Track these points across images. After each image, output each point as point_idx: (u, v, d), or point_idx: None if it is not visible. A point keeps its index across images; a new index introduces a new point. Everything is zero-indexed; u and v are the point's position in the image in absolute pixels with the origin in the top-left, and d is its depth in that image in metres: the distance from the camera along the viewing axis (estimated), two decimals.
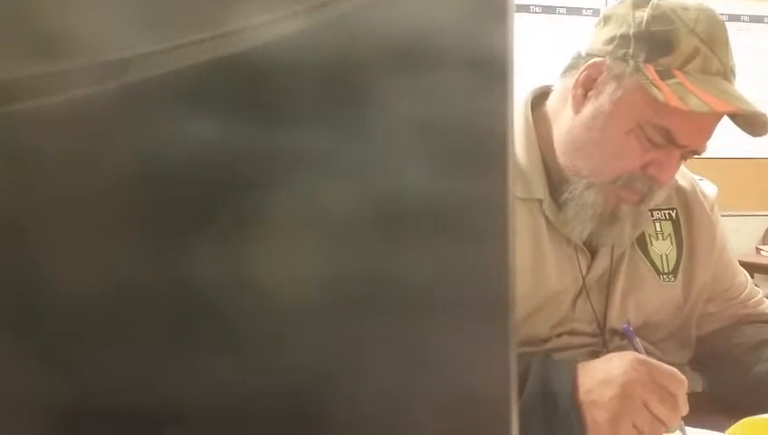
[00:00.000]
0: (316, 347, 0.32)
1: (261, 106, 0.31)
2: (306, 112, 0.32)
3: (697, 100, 0.90)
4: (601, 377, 0.85)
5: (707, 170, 1.17)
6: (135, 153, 0.31)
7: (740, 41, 3.40)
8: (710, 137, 0.97)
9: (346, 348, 0.33)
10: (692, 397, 0.89)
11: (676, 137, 0.93)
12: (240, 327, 0.32)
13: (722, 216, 1.14)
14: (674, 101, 0.90)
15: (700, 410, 0.90)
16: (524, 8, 3.34)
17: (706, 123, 0.95)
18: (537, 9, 3.36)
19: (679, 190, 1.10)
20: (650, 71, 0.92)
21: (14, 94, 0.30)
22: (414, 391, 0.33)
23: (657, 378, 0.83)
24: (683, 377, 0.85)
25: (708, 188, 1.13)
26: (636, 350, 0.93)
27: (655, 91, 0.91)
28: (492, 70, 0.33)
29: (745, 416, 0.88)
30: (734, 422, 0.88)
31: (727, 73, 0.93)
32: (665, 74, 0.92)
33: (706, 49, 0.92)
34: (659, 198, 1.03)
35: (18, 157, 0.30)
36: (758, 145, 3.01)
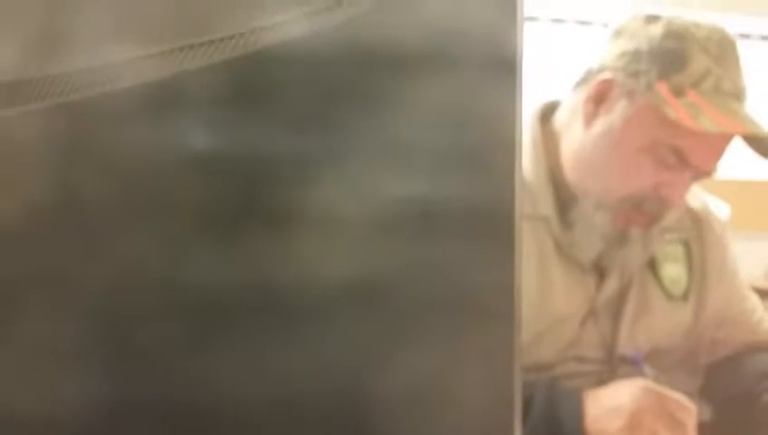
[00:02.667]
0: (316, 349, 0.32)
1: (270, 108, 0.31)
2: (313, 114, 0.32)
3: (710, 120, 0.88)
4: (609, 406, 0.83)
5: (716, 192, 1.15)
6: (143, 153, 0.31)
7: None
8: (722, 158, 0.95)
9: (342, 352, 0.32)
10: (700, 426, 0.87)
11: (689, 157, 0.91)
12: (245, 327, 0.32)
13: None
14: (687, 121, 0.88)
15: None
16: (533, 19, 3.32)
17: (719, 144, 0.93)
18: (546, 20, 3.33)
19: (691, 212, 1.08)
20: (663, 88, 0.91)
21: (15, 97, 0.30)
22: (413, 407, 0.32)
23: (667, 406, 0.83)
24: (692, 405, 0.84)
25: (720, 210, 1.12)
26: (644, 377, 0.92)
27: (668, 109, 0.89)
28: (501, 74, 0.32)
29: None
30: None
31: (739, 94, 0.92)
32: (677, 92, 0.90)
33: (719, 68, 0.91)
34: (669, 220, 1.01)
35: (31, 159, 0.31)
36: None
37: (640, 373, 0.93)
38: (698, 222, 1.07)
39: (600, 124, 0.95)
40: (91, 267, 0.31)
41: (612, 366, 1.00)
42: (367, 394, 0.32)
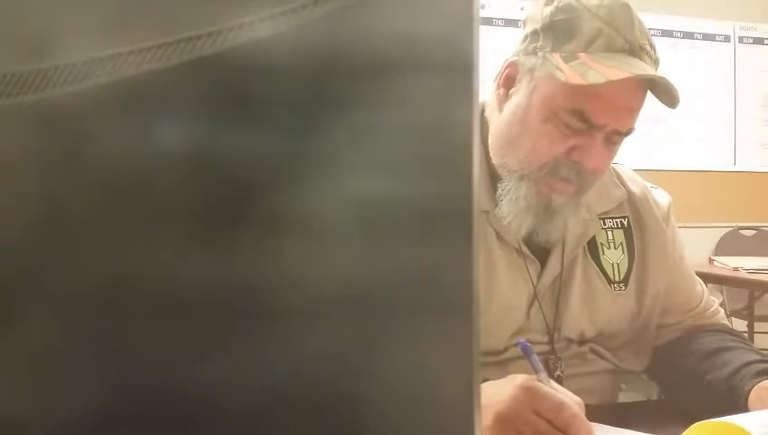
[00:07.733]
0: (292, 348, 0.32)
1: (241, 107, 0.31)
2: (285, 113, 0.32)
3: (596, 73, 0.91)
4: (483, 403, 0.79)
5: (661, 182, 1.18)
6: (111, 153, 0.31)
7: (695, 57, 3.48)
8: (631, 115, 0.97)
9: (318, 348, 0.33)
10: (648, 405, 0.88)
11: (592, 118, 0.94)
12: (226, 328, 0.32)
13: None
14: (575, 79, 0.92)
15: (656, 417, 0.90)
16: (488, 21, 3.41)
17: (619, 99, 0.95)
18: (500, 23, 3.42)
19: (631, 198, 1.10)
20: (556, 58, 0.95)
21: None
22: (378, 394, 0.33)
23: (540, 409, 0.78)
24: (573, 410, 0.78)
25: (661, 197, 1.14)
26: (534, 369, 0.84)
27: (558, 73, 0.93)
28: (459, 77, 0.33)
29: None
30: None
31: (634, 50, 0.94)
32: (569, 58, 0.94)
33: (609, 29, 0.94)
34: (610, 205, 1.05)
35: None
36: (711, 158, 3.07)
37: (531, 365, 0.85)
38: (638, 207, 1.10)
39: (510, 105, 1.00)
40: (72, 271, 0.31)
41: (553, 348, 1.03)
42: (342, 388, 0.33)
